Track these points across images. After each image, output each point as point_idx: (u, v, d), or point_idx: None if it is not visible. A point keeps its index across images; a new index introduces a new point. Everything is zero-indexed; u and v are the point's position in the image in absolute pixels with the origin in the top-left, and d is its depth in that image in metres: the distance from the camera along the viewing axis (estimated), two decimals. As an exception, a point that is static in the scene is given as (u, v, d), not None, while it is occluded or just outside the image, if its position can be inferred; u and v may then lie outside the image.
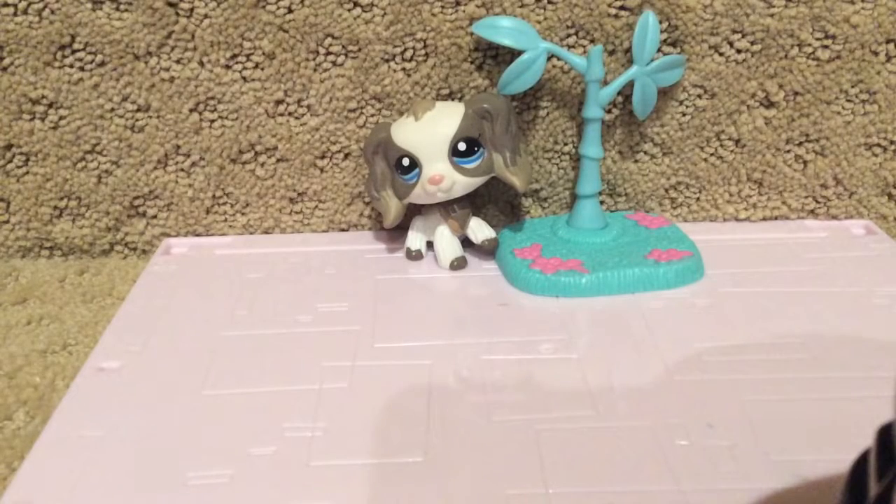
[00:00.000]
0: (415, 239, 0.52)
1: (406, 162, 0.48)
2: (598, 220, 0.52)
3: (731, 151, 0.54)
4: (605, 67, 0.50)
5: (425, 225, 0.52)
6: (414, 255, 0.52)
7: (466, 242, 0.52)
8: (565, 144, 0.54)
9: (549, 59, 0.50)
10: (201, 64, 0.51)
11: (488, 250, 0.51)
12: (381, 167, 0.49)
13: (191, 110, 0.52)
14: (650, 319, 0.45)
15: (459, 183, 0.48)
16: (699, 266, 0.49)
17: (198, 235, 0.56)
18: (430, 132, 0.47)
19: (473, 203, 0.54)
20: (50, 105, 0.52)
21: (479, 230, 0.51)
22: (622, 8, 0.50)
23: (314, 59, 0.51)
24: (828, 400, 0.38)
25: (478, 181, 0.49)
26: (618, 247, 0.50)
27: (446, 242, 0.51)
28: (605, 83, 0.50)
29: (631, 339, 0.43)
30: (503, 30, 0.48)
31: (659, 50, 0.50)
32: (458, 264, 0.51)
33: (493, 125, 0.48)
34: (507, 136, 0.49)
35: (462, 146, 0.47)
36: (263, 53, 0.51)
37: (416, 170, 0.48)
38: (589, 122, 0.50)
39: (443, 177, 0.47)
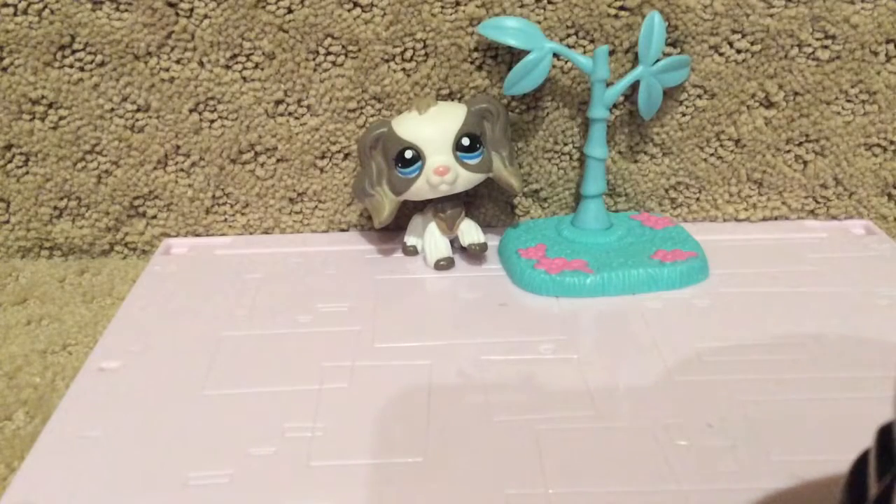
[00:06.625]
0: (413, 236, 0.52)
1: (409, 154, 0.47)
2: (603, 220, 0.52)
3: (731, 151, 0.54)
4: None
5: (424, 223, 0.52)
6: (410, 251, 0.52)
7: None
8: (566, 144, 0.54)
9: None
10: (201, 64, 0.51)
11: (475, 255, 0.51)
12: (377, 162, 0.49)
13: (191, 110, 0.52)
14: (650, 319, 0.45)
15: (462, 177, 0.48)
16: (704, 266, 0.49)
17: (198, 235, 0.56)
18: (436, 125, 0.48)
19: (472, 203, 0.54)
20: (50, 105, 0.52)
21: (469, 233, 0.51)
22: (622, 8, 0.50)
23: (314, 59, 0.51)
24: (828, 400, 0.38)
25: (478, 178, 0.49)
26: (622, 247, 0.50)
27: (434, 242, 0.51)
28: (609, 83, 0.50)
29: (631, 339, 0.43)
30: (508, 30, 0.48)
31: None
32: (445, 264, 0.50)
33: (494, 126, 0.49)
34: (505, 138, 0.50)
35: (466, 141, 0.48)
36: (263, 53, 0.51)
37: (419, 163, 0.48)
38: (594, 123, 0.50)
39: (448, 168, 0.47)
